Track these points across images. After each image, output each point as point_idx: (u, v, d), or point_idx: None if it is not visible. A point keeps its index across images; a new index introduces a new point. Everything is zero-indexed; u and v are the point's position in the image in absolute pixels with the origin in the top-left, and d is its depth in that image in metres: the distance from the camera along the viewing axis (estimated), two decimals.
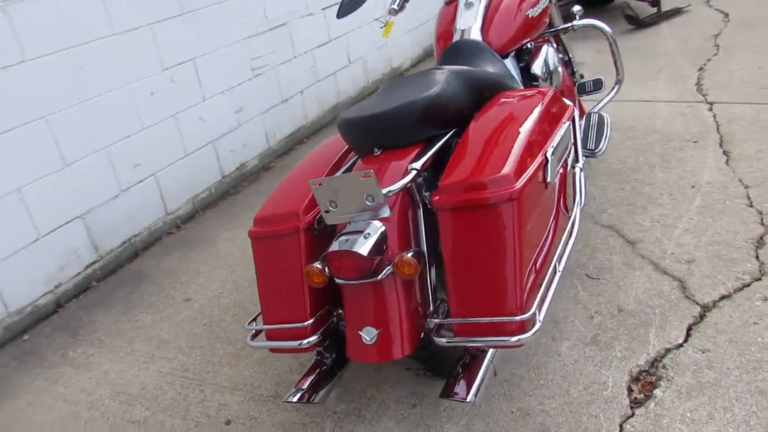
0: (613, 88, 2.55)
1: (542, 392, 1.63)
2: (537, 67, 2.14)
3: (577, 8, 2.41)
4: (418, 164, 1.42)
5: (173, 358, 2.04)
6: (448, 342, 1.33)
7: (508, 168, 1.30)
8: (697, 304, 1.83)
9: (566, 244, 1.50)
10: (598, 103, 2.58)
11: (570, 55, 2.68)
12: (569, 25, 2.44)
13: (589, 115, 2.44)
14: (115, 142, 2.62)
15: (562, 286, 2.00)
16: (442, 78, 1.56)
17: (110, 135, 2.59)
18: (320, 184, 1.35)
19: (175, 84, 2.85)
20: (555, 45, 2.64)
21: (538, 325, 1.26)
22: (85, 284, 2.55)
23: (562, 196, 1.59)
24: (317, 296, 1.49)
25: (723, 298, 1.84)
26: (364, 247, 1.32)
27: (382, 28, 2.27)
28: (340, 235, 1.38)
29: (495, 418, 1.58)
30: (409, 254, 1.33)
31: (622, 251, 2.14)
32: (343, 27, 3.95)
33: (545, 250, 1.44)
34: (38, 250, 2.36)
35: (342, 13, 2.10)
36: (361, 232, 1.36)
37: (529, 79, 2.17)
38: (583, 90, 2.42)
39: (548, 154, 1.42)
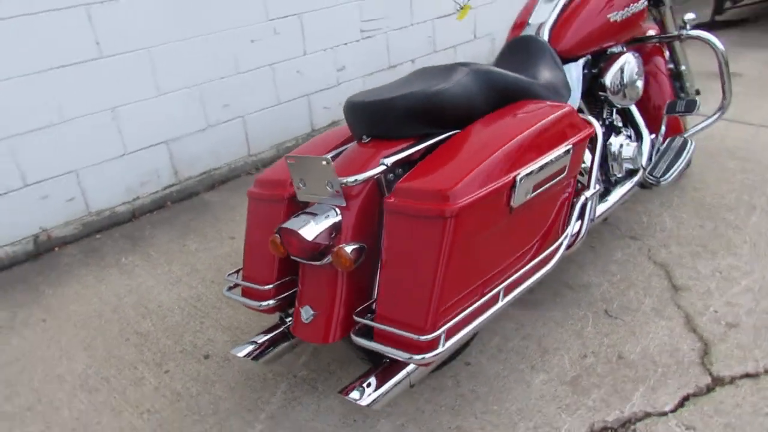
0: (715, 113, 2.23)
1: (489, 418, 1.55)
2: (608, 77, 1.93)
3: (689, 16, 2.12)
4: (390, 160, 1.40)
5: (194, 286, 2.23)
6: (362, 344, 1.32)
7: (459, 184, 1.23)
8: (710, 374, 1.60)
9: (528, 276, 1.39)
10: (694, 127, 2.28)
11: (682, 67, 2.37)
12: (676, 34, 2.17)
13: (672, 138, 2.16)
14: (209, 81, 2.83)
15: (570, 317, 1.85)
16: (457, 76, 1.49)
17: (205, 74, 2.80)
18: (293, 161, 1.38)
19: (278, 35, 2.99)
20: (667, 53, 2.36)
21: (439, 350, 1.20)
22: (161, 203, 2.84)
23: (543, 224, 1.46)
24: (286, 264, 1.53)
25: (746, 376, 1.58)
26: (310, 231, 1.34)
27: (457, 11, 2.19)
28: (301, 213, 1.41)
29: (431, 428, 1.53)
30: (349, 248, 1.32)
31: (660, 295, 1.91)
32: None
33: (497, 277, 1.35)
34: (123, 164, 2.67)
35: None
36: (319, 214, 1.38)
37: (598, 89, 1.97)
38: (672, 109, 2.14)
39: (519, 177, 1.31)
